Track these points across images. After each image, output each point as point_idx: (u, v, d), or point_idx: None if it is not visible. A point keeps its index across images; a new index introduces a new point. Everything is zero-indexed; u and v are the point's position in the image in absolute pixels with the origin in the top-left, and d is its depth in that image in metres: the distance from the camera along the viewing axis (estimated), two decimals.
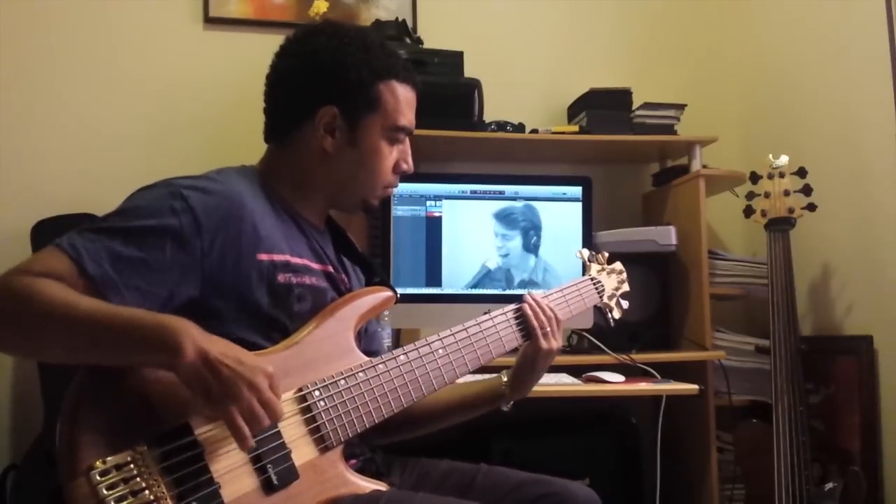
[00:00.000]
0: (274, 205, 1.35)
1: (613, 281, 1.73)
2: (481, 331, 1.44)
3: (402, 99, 1.40)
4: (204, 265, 1.21)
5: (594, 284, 1.68)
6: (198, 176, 1.29)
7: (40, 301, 1.06)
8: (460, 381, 1.55)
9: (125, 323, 1.07)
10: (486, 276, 2.36)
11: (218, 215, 1.23)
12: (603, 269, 1.73)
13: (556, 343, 1.50)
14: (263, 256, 1.27)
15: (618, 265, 1.77)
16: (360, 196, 1.44)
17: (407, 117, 1.42)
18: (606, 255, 1.77)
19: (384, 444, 1.51)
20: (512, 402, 1.54)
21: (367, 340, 1.52)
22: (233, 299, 1.24)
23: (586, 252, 1.75)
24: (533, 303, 1.50)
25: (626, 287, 1.75)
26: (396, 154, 1.43)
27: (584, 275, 1.71)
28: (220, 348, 1.07)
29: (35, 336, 1.08)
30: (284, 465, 1.16)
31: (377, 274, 1.51)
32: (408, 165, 1.46)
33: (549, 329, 1.49)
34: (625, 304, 1.73)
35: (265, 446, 1.15)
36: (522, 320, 1.49)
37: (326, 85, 1.36)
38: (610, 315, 1.70)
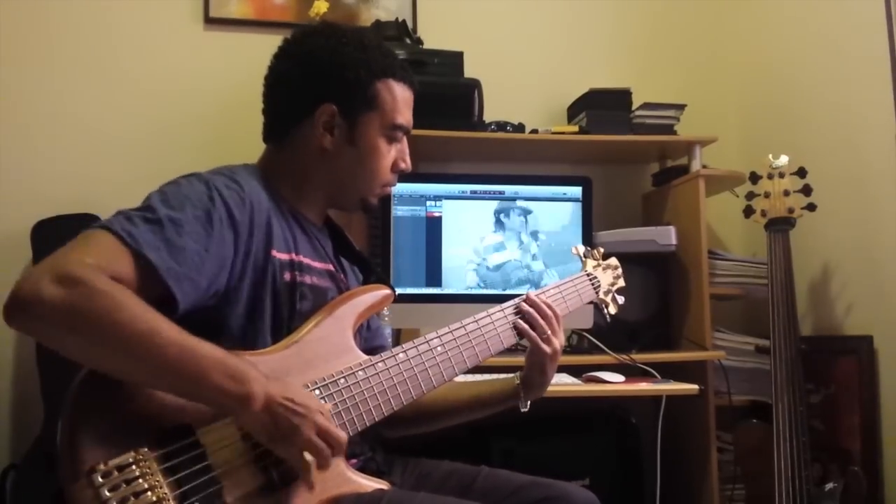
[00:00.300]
0: (277, 203, 1.36)
1: (609, 276, 1.73)
2: (479, 328, 1.44)
3: (400, 98, 1.42)
4: (234, 260, 1.22)
5: (590, 280, 1.68)
6: (221, 173, 1.30)
7: (122, 313, 1.02)
8: (460, 378, 1.55)
9: (202, 361, 1.06)
10: (485, 276, 2.36)
11: (247, 212, 1.25)
12: (599, 265, 1.73)
13: (559, 342, 1.50)
14: (275, 254, 1.29)
15: (613, 261, 1.76)
16: (359, 194, 1.45)
17: (404, 116, 1.43)
18: (602, 250, 1.77)
19: (394, 438, 1.52)
20: (529, 403, 1.55)
21: (370, 336, 1.53)
22: (246, 295, 1.25)
23: (582, 248, 1.75)
24: (529, 308, 1.49)
25: (621, 283, 1.74)
26: (395, 153, 1.45)
27: (580, 271, 1.71)
28: (280, 390, 1.10)
29: (106, 347, 1.04)
30: (286, 465, 1.15)
31: (374, 272, 1.52)
32: (406, 164, 1.47)
33: (548, 332, 1.48)
34: (620, 299, 1.72)
35: None
36: (521, 318, 1.49)
37: (325, 84, 1.38)
38: (606, 311, 1.70)
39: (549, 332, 1.48)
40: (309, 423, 1.10)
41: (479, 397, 1.56)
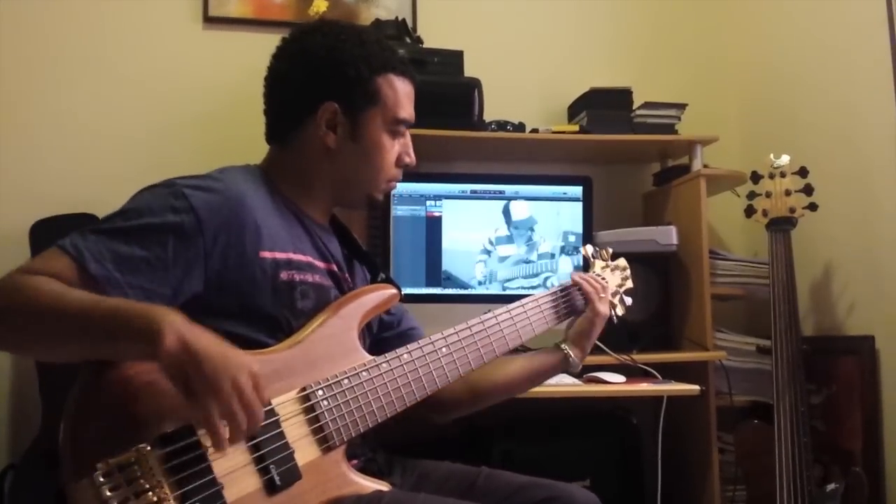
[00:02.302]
0: (277, 203, 1.35)
1: (617, 278, 1.72)
2: (485, 329, 1.45)
3: (401, 91, 1.42)
4: (207, 263, 1.21)
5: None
6: (200, 175, 1.30)
7: (29, 293, 1.07)
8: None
9: (109, 310, 1.06)
10: (486, 276, 2.36)
11: (220, 213, 1.23)
12: (606, 266, 1.73)
13: (607, 309, 1.61)
14: (266, 254, 1.27)
15: (621, 262, 1.76)
16: (365, 191, 1.44)
17: (406, 110, 1.43)
18: (610, 251, 1.76)
19: (450, 423, 1.57)
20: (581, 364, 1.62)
21: (394, 321, 1.56)
22: (236, 297, 1.24)
23: (590, 248, 1.74)
24: (583, 275, 1.62)
25: (629, 284, 1.74)
26: (398, 147, 1.45)
27: (587, 272, 1.70)
28: (206, 342, 1.03)
29: (23, 327, 1.09)
30: (287, 466, 1.16)
31: (381, 272, 1.51)
32: (410, 158, 1.47)
33: (602, 295, 1.60)
34: (628, 300, 1.72)
35: (268, 447, 1.15)
36: (567, 299, 1.60)
37: (325, 82, 1.37)
38: (613, 312, 1.69)
39: (602, 295, 1.60)
40: (233, 382, 1.01)
41: (532, 369, 1.58)
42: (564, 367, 1.59)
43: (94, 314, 1.06)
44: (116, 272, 1.14)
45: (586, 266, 1.75)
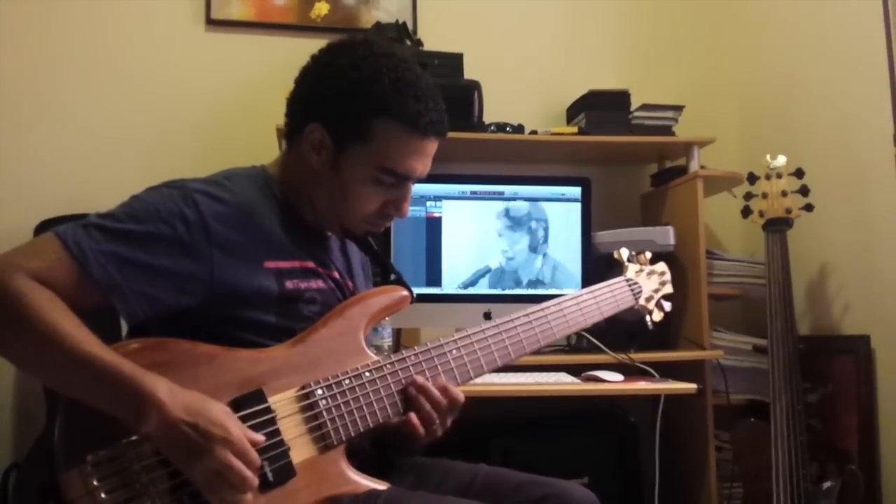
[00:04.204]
0: (281, 208, 1.34)
1: (654, 282, 1.68)
2: (500, 332, 1.42)
3: (400, 143, 1.30)
4: (213, 274, 1.20)
5: (630, 286, 1.64)
6: (209, 180, 1.28)
7: (32, 319, 1.04)
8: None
9: (103, 376, 1.06)
10: (486, 277, 2.37)
11: (228, 224, 1.23)
12: (642, 270, 1.68)
13: (439, 432, 1.33)
14: (271, 264, 1.27)
15: (660, 266, 1.71)
16: (338, 220, 1.38)
17: (402, 163, 1.31)
18: (649, 255, 1.72)
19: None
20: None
21: None
22: (242, 306, 1.24)
23: (625, 252, 1.70)
24: (416, 394, 1.30)
25: (668, 289, 1.69)
26: (384, 196, 1.34)
27: (620, 275, 1.66)
28: (181, 413, 1.06)
29: (14, 347, 1.08)
30: (281, 463, 1.16)
31: (392, 272, 1.47)
32: (397, 212, 1.37)
33: (436, 423, 1.31)
34: (667, 305, 1.67)
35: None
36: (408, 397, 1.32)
37: (321, 103, 1.33)
38: (650, 318, 1.65)
39: (437, 422, 1.32)
40: (210, 455, 1.05)
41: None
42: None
43: (87, 371, 1.05)
44: (119, 277, 1.13)
45: (619, 270, 1.69)
